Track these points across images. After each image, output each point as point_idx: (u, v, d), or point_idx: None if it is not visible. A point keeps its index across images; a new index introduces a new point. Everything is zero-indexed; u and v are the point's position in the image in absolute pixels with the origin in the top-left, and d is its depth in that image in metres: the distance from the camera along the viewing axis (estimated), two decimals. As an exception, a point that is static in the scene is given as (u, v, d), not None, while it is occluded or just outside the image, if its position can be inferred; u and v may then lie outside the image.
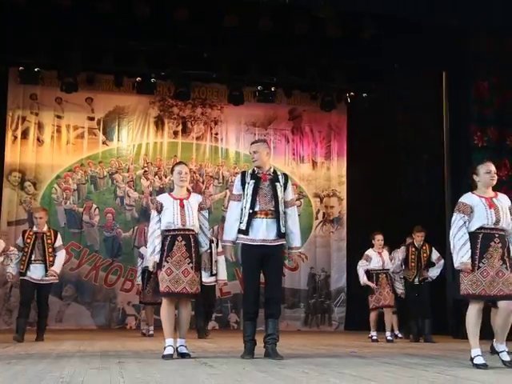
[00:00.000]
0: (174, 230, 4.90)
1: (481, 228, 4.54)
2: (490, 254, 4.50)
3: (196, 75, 10.42)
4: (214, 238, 7.82)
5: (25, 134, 10.41)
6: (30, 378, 3.60)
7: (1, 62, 9.65)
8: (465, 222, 4.57)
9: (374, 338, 7.90)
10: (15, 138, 10.37)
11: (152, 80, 10.23)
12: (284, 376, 3.83)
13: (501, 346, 4.56)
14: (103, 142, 10.77)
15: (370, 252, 8.14)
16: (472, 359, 4.48)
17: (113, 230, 10.57)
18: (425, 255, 8.04)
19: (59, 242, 7.38)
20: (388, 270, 8.06)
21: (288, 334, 9.41)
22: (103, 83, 10.66)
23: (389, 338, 7.83)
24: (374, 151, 10.67)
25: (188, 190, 5.31)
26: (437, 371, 4.24)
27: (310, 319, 10.95)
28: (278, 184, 5.07)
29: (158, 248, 4.93)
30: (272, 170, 5.19)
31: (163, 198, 5.05)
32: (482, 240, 4.53)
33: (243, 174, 5.16)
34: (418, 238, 8.07)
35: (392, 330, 8.15)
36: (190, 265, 4.90)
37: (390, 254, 8.38)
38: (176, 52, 9.74)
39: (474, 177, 4.73)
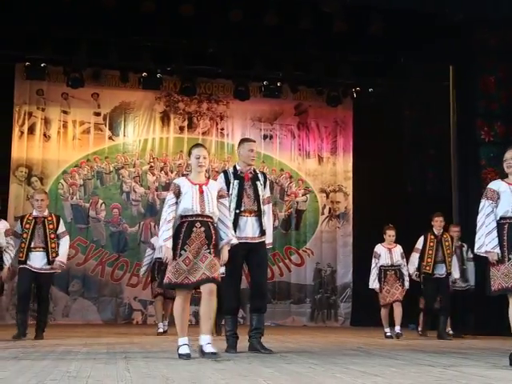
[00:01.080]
0: (192, 215, 4.50)
1: (505, 217, 4.38)
2: None
3: (202, 70, 10.42)
4: None
5: (31, 130, 10.43)
6: (36, 372, 3.61)
7: (7, 57, 9.66)
8: (493, 209, 4.42)
9: (388, 334, 7.58)
10: (22, 133, 10.39)
11: (158, 75, 10.23)
12: (290, 371, 3.83)
13: None
14: (109, 138, 10.78)
15: (378, 248, 7.73)
16: None
17: (119, 226, 10.59)
18: (447, 244, 7.56)
19: (62, 227, 6.66)
20: (398, 266, 7.62)
21: (294, 330, 9.42)
22: (109, 79, 10.66)
23: (398, 331, 7.47)
24: (380, 146, 10.63)
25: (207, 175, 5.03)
26: (443, 367, 4.22)
27: (316, 315, 10.95)
28: (258, 183, 5.21)
29: (171, 233, 4.47)
30: (252, 168, 5.27)
31: (182, 182, 4.68)
32: (508, 230, 4.36)
33: (225, 173, 5.28)
34: (437, 223, 7.60)
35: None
36: (208, 250, 4.47)
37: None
38: (182, 47, 9.75)
39: (504, 164, 4.57)
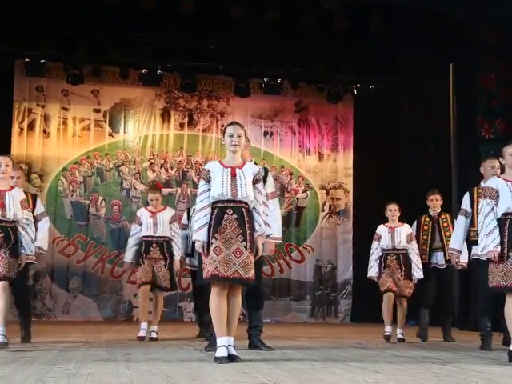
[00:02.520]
0: (223, 201, 4.11)
1: (507, 213, 4.31)
2: None
3: (202, 67, 10.41)
4: None
5: (31, 126, 10.43)
6: (36, 369, 3.61)
7: (7, 54, 9.65)
8: (492, 208, 4.36)
9: (387, 333, 6.29)
10: (21, 130, 10.38)
11: (158, 72, 10.22)
12: (290, 368, 3.83)
13: None
14: (109, 134, 10.78)
15: (380, 229, 6.48)
16: None
17: (119, 222, 10.60)
18: (445, 225, 6.41)
19: (40, 208, 5.69)
20: (403, 250, 6.30)
21: (294, 326, 9.43)
22: (109, 75, 10.65)
23: (399, 334, 6.32)
24: (381, 143, 10.62)
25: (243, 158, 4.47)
26: (443, 363, 4.23)
27: (316, 311, 10.97)
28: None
29: (203, 222, 4.10)
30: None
31: (212, 166, 4.26)
32: (509, 227, 4.29)
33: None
34: (433, 202, 6.51)
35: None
36: (244, 243, 4.05)
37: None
38: (182, 44, 9.74)
39: (501, 159, 4.54)
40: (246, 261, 4.04)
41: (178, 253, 6.26)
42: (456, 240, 5.59)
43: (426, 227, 6.48)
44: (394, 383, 3.23)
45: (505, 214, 4.34)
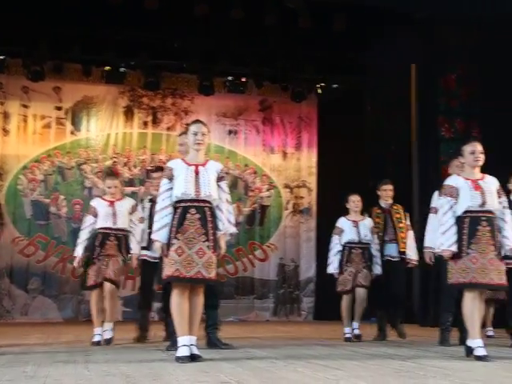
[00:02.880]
0: (186, 201, 4.08)
1: (467, 211, 4.38)
2: (477, 238, 4.33)
3: (166, 65, 10.33)
4: None
5: (-10, 124, 10.19)
6: (-7, 371, 3.54)
7: (-36, 49, 9.41)
8: (451, 207, 4.42)
9: (348, 335, 6.01)
10: (-20, 127, 10.14)
11: (121, 69, 10.10)
12: (252, 367, 3.84)
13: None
14: (71, 132, 10.60)
15: (342, 222, 6.13)
16: (472, 350, 4.29)
17: (81, 222, 10.38)
18: (397, 216, 6.22)
19: None
20: (367, 244, 6.05)
21: (257, 325, 9.45)
22: (71, 72, 10.47)
23: (355, 330, 6.06)
24: (344, 142, 10.72)
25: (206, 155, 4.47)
26: (403, 359, 4.29)
27: (279, 309, 11.00)
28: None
29: (163, 223, 4.08)
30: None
31: (175, 164, 4.25)
32: (469, 224, 4.36)
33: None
34: (385, 193, 6.26)
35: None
36: (206, 243, 4.05)
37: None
38: (146, 41, 9.65)
39: (460, 158, 4.59)
40: (209, 261, 4.05)
41: (136, 248, 5.67)
42: (429, 238, 5.59)
43: (377, 219, 6.19)
44: (355, 380, 3.27)
45: (465, 212, 4.41)
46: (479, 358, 4.19)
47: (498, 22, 8.26)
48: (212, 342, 5.06)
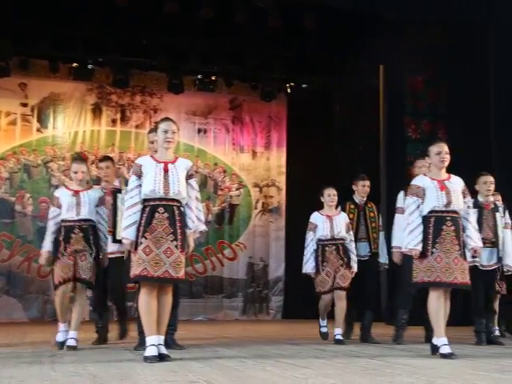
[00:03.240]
0: (155, 199, 4.04)
1: (432, 211, 4.44)
2: (442, 238, 4.39)
3: (135, 62, 10.25)
4: None
5: (-47, 120, 9.97)
6: (-45, 373, 3.46)
7: None
8: (418, 206, 4.47)
9: (324, 330, 5.86)
10: None
11: (89, 66, 9.99)
12: (221, 365, 3.84)
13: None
14: (37, 130, 10.44)
15: (315, 217, 5.75)
16: (438, 348, 4.33)
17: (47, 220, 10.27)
18: (371, 215, 5.95)
19: None
20: (342, 240, 5.65)
21: (226, 324, 9.45)
22: (38, 68, 10.30)
23: (337, 335, 5.57)
24: (313, 142, 10.80)
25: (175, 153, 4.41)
26: (369, 357, 4.34)
27: (248, 308, 11.02)
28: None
29: (132, 220, 4.05)
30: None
31: (144, 161, 4.19)
32: (434, 224, 4.41)
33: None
34: (362, 188, 5.98)
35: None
36: (174, 242, 4.01)
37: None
38: (115, 38, 9.54)
39: (427, 158, 4.63)
40: (177, 260, 4.02)
41: (105, 244, 5.24)
42: (397, 237, 5.58)
43: (351, 215, 5.86)
44: (323, 378, 3.29)
45: (430, 212, 4.47)
46: (444, 356, 4.25)
47: (464, 25, 8.41)
48: (167, 343, 4.95)
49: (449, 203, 4.44)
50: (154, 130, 5.05)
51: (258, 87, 11.02)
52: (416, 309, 5.57)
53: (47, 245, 5.16)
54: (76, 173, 5.27)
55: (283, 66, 10.40)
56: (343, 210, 5.94)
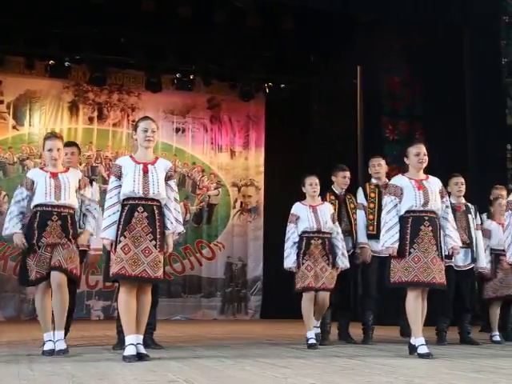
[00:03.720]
0: (134, 198, 4.04)
1: (410, 211, 4.46)
2: (420, 238, 4.40)
3: (112, 60, 10.18)
4: None
5: None
6: None
7: None
8: (395, 205, 4.49)
9: (311, 341, 5.01)
10: None
11: (66, 64, 9.90)
12: (200, 365, 3.84)
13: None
14: (13, 127, 10.32)
15: (298, 208, 5.25)
16: (415, 348, 4.36)
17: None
18: (352, 206, 5.69)
19: None
20: (328, 234, 5.16)
21: (204, 323, 9.43)
22: (13, 65, 10.19)
23: (311, 341, 4.99)
24: (292, 141, 10.84)
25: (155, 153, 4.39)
26: (348, 357, 4.37)
27: (227, 308, 11.02)
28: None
29: (111, 221, 4.03)
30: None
31: (123, 161, 4.18)
32: (411, 224, 4.43)
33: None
34: (342, 180, 5.73)
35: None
36: (153, 242, 4.02)
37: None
38: (92, 36, 9.47)
39: (405, 159, 4.65)
40: (155, 260, 4.02)
41: (90, 226, 4.72)
42: (362, 233, 5.64)
43: (333, 207, 5.41)
44: (303, 378, 3.30)
45: (408, 212, 4.50)
46: (422, 356, 4.28)
47: (439, 26, 8.51)
48: (145, 343, 4.93)
49: (426, 203, 4.47)
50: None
51: (237, 87, 11.03)
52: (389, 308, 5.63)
53: (16, 226, 4.48)
54: (51, 150, 4.53)
55: (262, 66, 10.43)
56: (323, 199, 5.56)
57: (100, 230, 4.37)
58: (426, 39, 9.31)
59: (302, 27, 9.18)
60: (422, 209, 4.47)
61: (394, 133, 9.43)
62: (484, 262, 5.71)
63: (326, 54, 10.15)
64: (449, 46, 8.88)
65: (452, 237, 4.59)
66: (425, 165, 4.61)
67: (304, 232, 5.17)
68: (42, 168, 4.69)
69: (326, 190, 5.89)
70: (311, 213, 5.19)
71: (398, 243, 4.46)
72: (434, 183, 4.61)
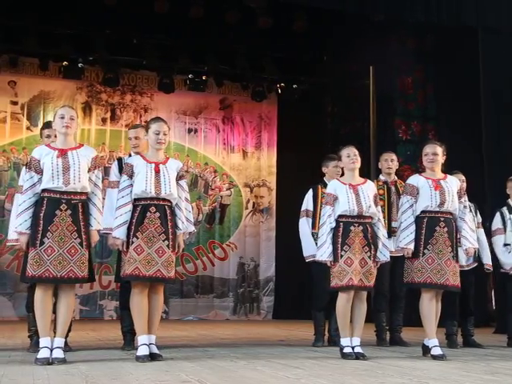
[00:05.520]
0: (146, 198, 4.04)
1: (425, 211, 4.43)
2: (435, 239, 4.39)
3: (125, 61, 10.21)
4: None
5: None
6: None
7: None
8: (411, 205, 4.47)
9: (348, 350, 4.30)
10: None
11: (79, 65, 9.94)
12: (212, 365, 3.84)
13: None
14: (27, 128, 10.38)
15: (335, 185, 4.50)
16: (429, 350, 4.35)
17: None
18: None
19: None
20: (369, 218, 4.41)
21: (216, 324, 9.44)
22: (27, 66, 10.26)
23: (357, 347, 4.32)
24: (304, 142, 10.81)
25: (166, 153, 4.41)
26: (361, 359, 4.35)
27: (239, 308, 11.02)
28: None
29: (122, 220, 4.01)
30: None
31: (135, 160, 4.17)
32: (426, 225, 4.41)
33: (120, 161, 4.68)
34: (333, 170, 5.53)
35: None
36: (166, 242, 4.02)
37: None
38: (105, 37, 9.53)
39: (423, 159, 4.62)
40: (169, 260, 4.04)
41: (98, 218, 4.02)
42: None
43: (324, 200, 4.70)
44: (315, 378, 3.30)
45: (423, 212, 4.47)
46: (435, 357, 4.27)
47: (453, 25, 8.45)
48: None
49: (442, 203, 4.43)
50: (137, 126, 5.17)
51: (249, 87, 11.02)
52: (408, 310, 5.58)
53: (25, 225, 3.85)
54: (63, 117, 3.97)
55: (274, 66, 10.41)
56: (314, 193, 5.43)
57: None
58: (439, 39, 9.26)
59: (315, 27, 9.16)
60: (437, 209, 4.44)
61: (407, 133, 9.38)
62: (489, 259, 5.56)
63: (338, 54, 10.11)
64: (463, 46, 8.82)
65: (468, 238, 4.56)
66: (434, 164, 4.57)
67: (341, 216, 4.36)
68: (48, 145, 4.10)
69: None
70: (352, 194, 4.39)
71: (413, 243, 4.43)
72: (452, 183, 4.57)
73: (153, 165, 4.12)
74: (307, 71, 10.65)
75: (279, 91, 11.04)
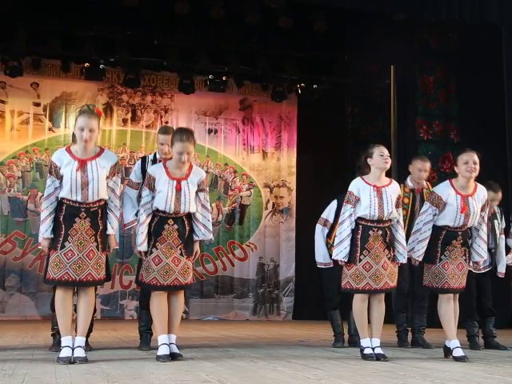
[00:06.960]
0: (165, 212, 4.12)
1: (446, 226, 4.46)
2: (452, 246, 4.48)
3: (146, 62, 10.28)
4: None
5: (-34, 119, 10.05)
6: (-30, 370, 3.49)
7: None
8: (433, 217, 4.46)
9: (368, 352, 4.26)
10: (-44, 122, 9.98)
11: (101, 66, 10.01)
12: (232, 365, 3.85)
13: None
14: (49, 129, 10.49)
15: (358, 185, 4.42)
16: (450, 351, 4.35)
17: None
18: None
19: None
20: (389, 221, 4.38)
21: (236, 324, 9.45)
22: (49, 68, 10.37)
23: (377, 348, 4.29)
24: (324, 142, 10.77)
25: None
26: (382, 360, 4.32)
27: (259, 309, 11.02)
28: None
29: (145, 236, 4.09)
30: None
31: (158, 173, 4.14)
32: (444, 237, 4.47)
33: (143, 160, 4.96)
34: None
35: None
36: (180, 252, 4.12)
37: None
38: (126, 38, 9.59)
39: (455, 168, 4.52)
40: (185, 267, 4.15)
41: (114, 223, 4.06)
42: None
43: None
44: (335, 379, 3.29)
45: (443, 226, 4.47)
46: (457, 359, 4.25)
47: (475, 24, 8.35)
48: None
49: (464, 225, 4.48)
50: (164, 130, 5.15)
51: (269, 87, 11.02)
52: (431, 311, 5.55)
53: (48, 231, 4.01)
54: (82, 129, 3.91)
55: (294, 67, 10.39)
56: (339, 204, 5.20)
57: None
58: (461, 38, 9.17)
59: (335, 27, 9.12)
60: (458, 227, 4.48)
61: (429, 133, 9.30)
62: (503, 267, 5.50)
63: (359, 54, 10.06)
64: (485, 44, 8.71)
65: (479, 252, 4.60)
66: (474, 174, 4.45)
67: (361, 219, 4.29)
68: (69, 149, 4.04)
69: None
70: (375, 197, 4.26)
71: (422, 256, 4.50)
72: (479, 198, 4.52)
73: (175, 182, 4.13)
74: (327, 71, 10.62)
75: (299, 91, 11.01)
